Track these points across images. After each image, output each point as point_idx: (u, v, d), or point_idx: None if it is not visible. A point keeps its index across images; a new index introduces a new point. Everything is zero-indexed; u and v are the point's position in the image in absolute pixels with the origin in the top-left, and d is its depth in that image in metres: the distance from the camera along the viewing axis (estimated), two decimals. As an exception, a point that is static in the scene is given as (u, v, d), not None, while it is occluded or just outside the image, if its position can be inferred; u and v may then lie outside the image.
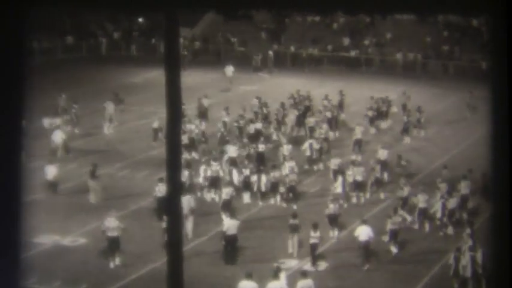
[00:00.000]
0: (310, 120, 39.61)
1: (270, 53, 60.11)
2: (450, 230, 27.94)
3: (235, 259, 25.19)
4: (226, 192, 29.20)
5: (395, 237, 26.31)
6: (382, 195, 31.48)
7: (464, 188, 29.56)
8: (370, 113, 41.65)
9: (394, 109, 43.87)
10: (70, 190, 31.79)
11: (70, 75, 54.06)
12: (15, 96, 4.53)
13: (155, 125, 37.59)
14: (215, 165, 31.30)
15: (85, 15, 63.92)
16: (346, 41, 62.88)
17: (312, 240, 24.89)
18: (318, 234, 24.93)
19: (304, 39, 63.09)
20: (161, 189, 27.60)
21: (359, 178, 31.18)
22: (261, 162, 33.50)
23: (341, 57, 61.31)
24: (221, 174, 31.46)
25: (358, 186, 31.22)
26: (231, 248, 25.22)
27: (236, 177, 31.56)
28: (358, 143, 37.17)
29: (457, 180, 30.01)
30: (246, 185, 30.78)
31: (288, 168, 31.67)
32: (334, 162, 33.04)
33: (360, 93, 46.71)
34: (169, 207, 5.13)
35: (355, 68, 59.93)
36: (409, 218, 27.82)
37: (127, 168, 34.96)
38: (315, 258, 25.09)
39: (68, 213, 29.10)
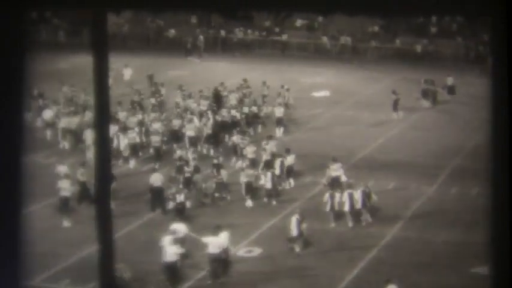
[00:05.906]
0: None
1: (200, 37, 59.65)
2: (288, 185, 30.52)
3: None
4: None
5: (249, 190, 28.58)
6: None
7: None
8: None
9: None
10: None
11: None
12: (14, 94, 4.43)
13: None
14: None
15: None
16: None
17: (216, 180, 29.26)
18: (221, 176, 29.20)
19: (235, 24, 62.64)
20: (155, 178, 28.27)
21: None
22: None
23: (272, 41, 61.00)
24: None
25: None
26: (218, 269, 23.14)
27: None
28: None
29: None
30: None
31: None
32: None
33: (290, 78, 46.78)
34: (98, 197, 5.08)
35: (287, 51, 59.58)
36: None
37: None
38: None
39: None
